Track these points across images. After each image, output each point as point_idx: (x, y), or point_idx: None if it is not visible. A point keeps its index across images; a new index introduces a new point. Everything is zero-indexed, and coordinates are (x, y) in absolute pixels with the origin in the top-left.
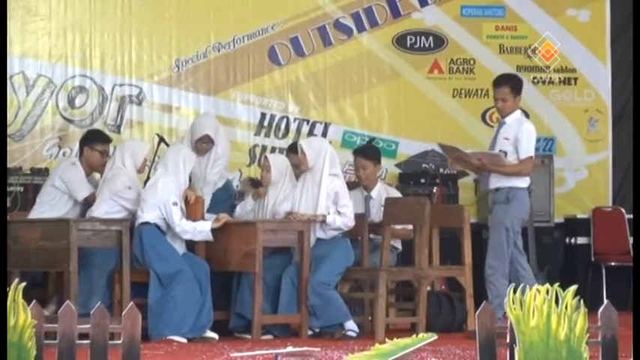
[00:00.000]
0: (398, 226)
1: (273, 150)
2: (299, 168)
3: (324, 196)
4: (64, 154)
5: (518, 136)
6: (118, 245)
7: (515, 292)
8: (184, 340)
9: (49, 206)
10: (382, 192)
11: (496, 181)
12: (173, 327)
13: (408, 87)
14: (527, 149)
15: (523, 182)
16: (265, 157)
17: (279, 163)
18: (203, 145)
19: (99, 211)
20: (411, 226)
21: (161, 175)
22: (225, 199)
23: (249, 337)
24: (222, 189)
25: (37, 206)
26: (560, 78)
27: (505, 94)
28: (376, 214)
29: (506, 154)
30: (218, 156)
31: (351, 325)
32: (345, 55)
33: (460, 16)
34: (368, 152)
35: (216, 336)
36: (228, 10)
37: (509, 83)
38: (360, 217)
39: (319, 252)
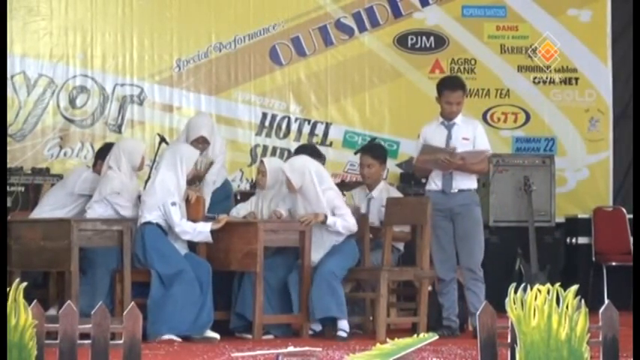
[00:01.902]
0: (395, 229)
1: (274, 150)
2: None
3: (325, 204)
4: (65, 154)
5: (476, 134)
6: (120, 245)
7: (516, 291)
8: (180, 340)
9: (54, 207)
10: (384, 192)
11: (461, 183)
12: (171, 326)
13: (410, 87)
14: (487, 145)
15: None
16: (261, 161)
17: (275, 168)
18: (199, 145)
19: (92, 211)
20: (408, 229)
21: (158, 175)
22: (224, 198)
23: (249, 336)
24: (221, 188)
25: (42, 207)
26: (561, 78)
27: (460, 98)
28: (376, 215)
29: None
30: (214, 155)
31: (343, 325)
32: (346, 55)
33: (461, 16)
34: (375, 151)
35: (217, 336)
36: (230, 10)
37: (462, 87)
38: (362, 217)
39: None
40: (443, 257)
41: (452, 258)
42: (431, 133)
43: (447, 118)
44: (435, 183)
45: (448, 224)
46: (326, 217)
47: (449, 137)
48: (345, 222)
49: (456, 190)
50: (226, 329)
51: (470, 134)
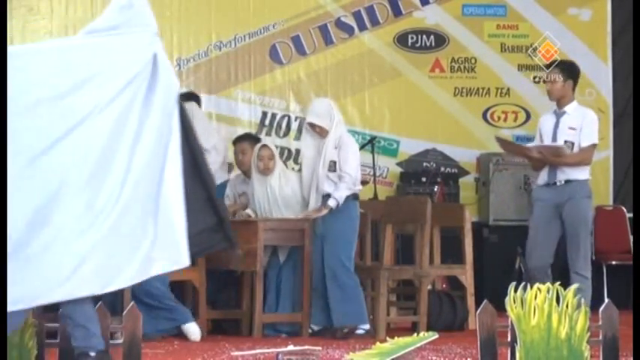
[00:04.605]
0: None
1: None
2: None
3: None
4: None
5: (584, 124)
6: None
7: (516, 290)
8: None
9: None
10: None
11: (569, 173)
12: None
13: (410, 86)
14: (591, 136)
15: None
16: (264, 146)
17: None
18: None
19: None
20: None
21: None
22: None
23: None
24: (220, 188)
25: None
26: None
27: (554, 75)
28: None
29: (572, 144)
30: (207, 153)
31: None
32: (346, 54)
33: (461, 14)
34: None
35: (197, 337)
36: (230, 8)
37: (557, 66)
38: (362, 216)
39: (323, 229)
40: (532, 246)
41: (543, 249)
42: (543, 121)
43: (551, 99)
44: (541, 176)
45: (554, 220)
46: (327, 206)
47: (556, 126)
48: (342, 185)
49: (563, 182)
50: (226, 328)
51: (577, 124)
